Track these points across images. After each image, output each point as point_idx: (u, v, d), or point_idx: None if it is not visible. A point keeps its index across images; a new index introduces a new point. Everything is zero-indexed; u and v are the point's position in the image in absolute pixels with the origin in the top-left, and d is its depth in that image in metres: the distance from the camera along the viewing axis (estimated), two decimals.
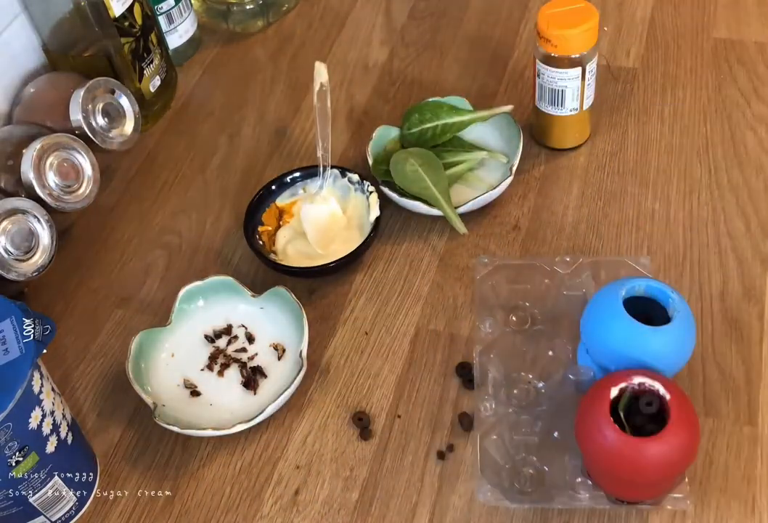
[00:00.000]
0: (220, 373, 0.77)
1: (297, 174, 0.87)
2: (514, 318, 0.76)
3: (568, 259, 0.76)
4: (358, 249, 0.81)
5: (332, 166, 0.86)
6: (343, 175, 0.86)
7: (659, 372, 0.63)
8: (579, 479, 0.65)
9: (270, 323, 0.79)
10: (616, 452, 0.60)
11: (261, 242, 0.84)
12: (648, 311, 0.66)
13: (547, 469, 0.67)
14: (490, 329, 0.74)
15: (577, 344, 0.72)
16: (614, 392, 0.61)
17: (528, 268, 0.78)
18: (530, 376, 0.72)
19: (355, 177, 0.85)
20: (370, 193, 0.84)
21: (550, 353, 0.73)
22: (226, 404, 0.75)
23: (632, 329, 0.64)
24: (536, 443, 0.69)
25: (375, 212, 0.83)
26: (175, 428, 0.71)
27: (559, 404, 0.69)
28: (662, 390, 0.61)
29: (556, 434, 0.68)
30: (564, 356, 0.73)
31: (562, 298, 0.75)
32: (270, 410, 0.71)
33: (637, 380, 0.62)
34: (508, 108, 0.87)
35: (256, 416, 0.71)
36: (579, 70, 0.81)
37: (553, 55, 0.80)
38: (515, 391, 0.71)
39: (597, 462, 0.63)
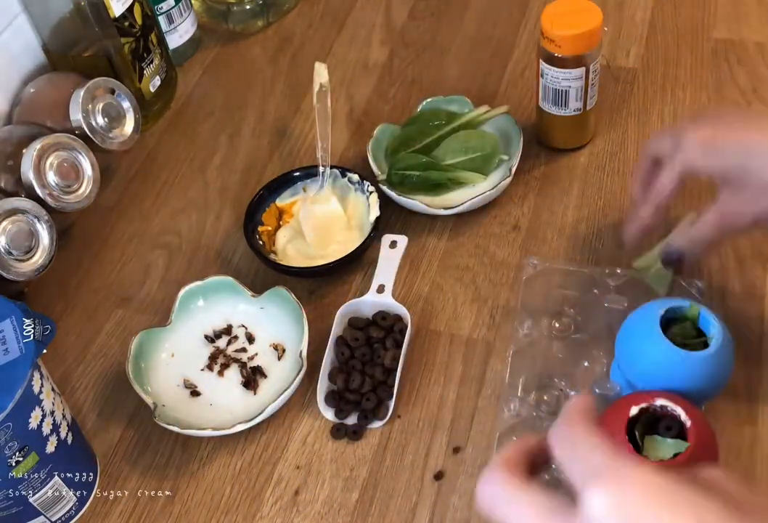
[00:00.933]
0: (220, 373, 0.77)
1: (297, 174, 0.87)
2: (557, 324, 0.75)
3: (618, 271, 0.75)
4: (358, 249, 0.81)
5: (332, 167, 0.86)
6: (343, 175, 0.86)
7: (688, 397, 0.61)
8: None
9: (270, 323, 0.79)
10: None
11: (261, 242, 0.84)
12: (686, 334, 0.65)
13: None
14: (528, 330, 0.74)
15: (613, 358, 0.71)
16: (634, 411, 0.60)
17: (576, 275, 0.77)
18: (563, 383, 0.72)
19: (355, 177, 0.85)
20: (370, 193, 0.84)
21: (586, 363, 0.72)
22: (226, 404, 0.75)
23: (667, 352, 0.62)
24: None
25: (375, 212, 0.83)
26: (175, 428, 0.71)
27: None
28: (683, 416, 0.60)
29: None
30: (598, 368, 0.72)
31: (605, 310, 0.74)
32: (270, 410, 0.71)
33: (659, 402, 0.60)
34: (504, 108, 0.88)
35: (256, 416, 0.71)
36: (582, 70, 0.81)
37: (556, 55, 0.80)
38: (545, 396, 0.71)
39: None
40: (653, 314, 0.64)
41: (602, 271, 0.76)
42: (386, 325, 0.77)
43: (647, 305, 0.66)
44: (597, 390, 0.69)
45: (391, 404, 0.73)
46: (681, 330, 0.65)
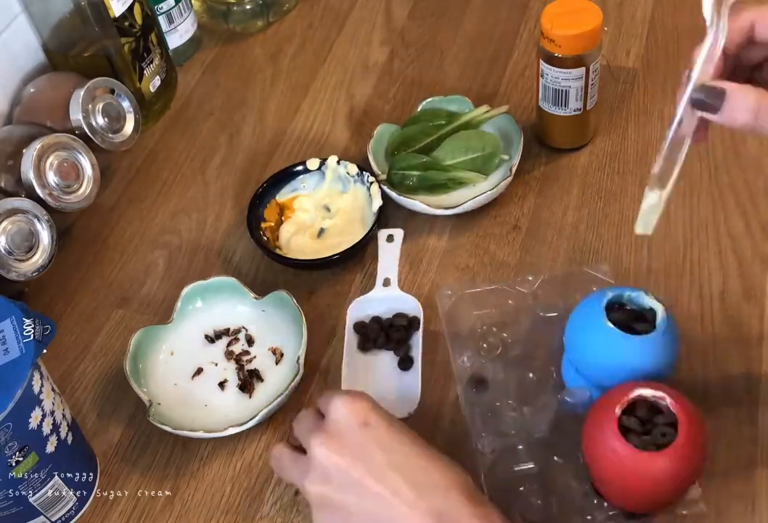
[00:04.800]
0: (218, 374, 0.77)
1: (298, 168, 0.88)
2: (485, 345, 0.74)
3: (530, 278, 0.75)
4: (363, 239, 0.81)
5: (336, 160, 0.87)
6: (343, 167, 0.87)
7: (656, 379, 0.62)
8: (592, 501, 0.64)
9: (270, 327, 0.79)
10: (629, 469, 0.59)
11: (265, 238, 0.84)
12: (631, 319, 0.65)
13: (553, 496, 0.66)
14: (468, 362, 0.73)
15: (557, 363, 0.71)
16: (619, 408, 0.60)
17: (491, 293, 0.76)
18: (515, 403, 0.70)
19: (354, 169, 0.86)
20: (371, 183, 0.85)
21: (531, 375, 0.71)
22: (221, 406, 0.75)
23: (614, 339, 0.63)
24: (536, 471, 0.67)
25: (378, 202, 0.83)
26: (168, 428, 0.71)
27: (553, 427, 0.68)
28: (669, 401, 0.60)
29: (555, 457, 0.67)
30: (546, 376, 0.71)
31: (536, 318, 0.74)
32: (263, 414, 0.71)
33: (640, 392, 0.61)
34: (504, 108, 0.88)
35: (249, 420, 0.71)
36: (582, 70, 0.81)
37: (556, 55, 0.80)
38: (504, 420, 0.69)
39: (609, 479, 0.62)
40: (597, 305, 0.64)
41: (513, 281, 0.76)
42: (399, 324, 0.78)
43: (590, 297, 0.67)
44: (568, 399, 0.67)
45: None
46: (625, 316, 0.65)
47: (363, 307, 0.79)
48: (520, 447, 0.68)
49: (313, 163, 0.87)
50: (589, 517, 0.64)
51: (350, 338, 0.78)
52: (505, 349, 0.74)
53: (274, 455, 0.64)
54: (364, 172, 0.85)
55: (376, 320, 0.78)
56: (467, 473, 0.59)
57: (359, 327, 0.78)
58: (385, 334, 0.77)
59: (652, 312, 0.65)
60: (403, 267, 0.82)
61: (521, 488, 0.66)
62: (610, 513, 0.64)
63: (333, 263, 0.82)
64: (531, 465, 0.67)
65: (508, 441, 0.68)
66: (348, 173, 0.86)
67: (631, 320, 0.65)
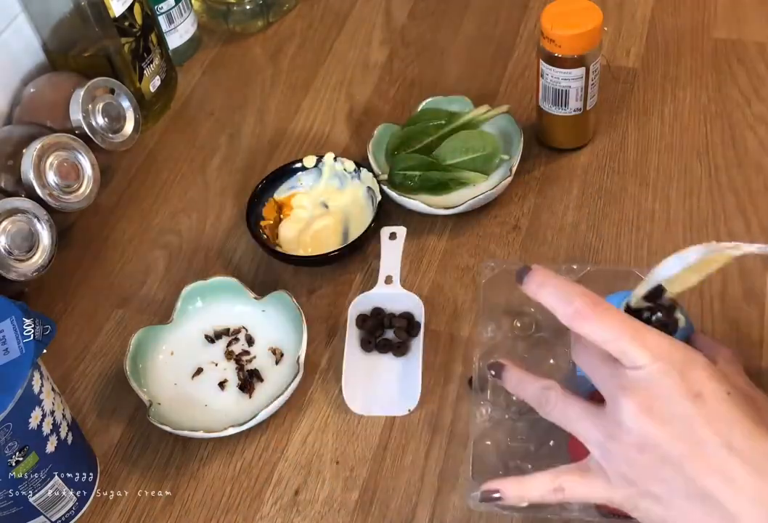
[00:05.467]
0: (218, 374, 0.77)
1: (296, 166, 0.88)
2: (518, 324, 0.75)
3: (575, 267, 0.75)
4: (364, 234, 0.81)
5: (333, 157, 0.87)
6: (340, 164, 0.87)
7: None
8: None
9: (270, 327, 0.79)
10: None
11: (265, 236, 0.84)
12: (650, 324, 0.65)
13: None
14: (492, 333, 0.74)
15: None
16: None
17: None
18: None
19: (351, 165, 0.86)
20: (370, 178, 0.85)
21: (551, 361, 0.72)
22: (221, 406, 0.75)
23: None
24: (531, 451, 0.68)
25: (377, 197, 0.83)
26: (168, 428, 0.71)
27: None
28: None
29: (551, 442, 0.68)
30: (564, 364, 0.72)
31: None
32: (263, 415, 0.71)
33: None
34: (504, 108, 0.88)
35: (249, 420, 0.71)
36: (582, 70, 0.81)
37: (556, 55, 0.80)
38: (514, 397, 0.70)
39: None
40: (616, 304, 0.64)
41: (559, 267, 0.75)
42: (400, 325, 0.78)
43: (610, 297, 0.66)
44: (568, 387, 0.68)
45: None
46: (644, 321, 0.64)
47: (365, 303, 0.79)
48: (521, 425, 0.69)
49: (309, 161, 0.87)
50: (564, 504, 0.64)
51: (352, 335, 0.78)
52: (536, 330, 0.74)
53: (551, 398, 0.55)
54: (361, 169, 0.85)
55: (378, 310, 0.79)
56: None
57: (361, 321, 0.78)
58: (389, 325, 0.78)
59: (675, 324, 0.64)
60: (404, 267, 0.82)
61: (511, 464, 0.67)
62: (586, 505, 0.64)
63: (333, 259, 0.82)
64: (527, 444, 0.68)
65: (510, 416, 0.69)
66: (345, 170, 0.86)
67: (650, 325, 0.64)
